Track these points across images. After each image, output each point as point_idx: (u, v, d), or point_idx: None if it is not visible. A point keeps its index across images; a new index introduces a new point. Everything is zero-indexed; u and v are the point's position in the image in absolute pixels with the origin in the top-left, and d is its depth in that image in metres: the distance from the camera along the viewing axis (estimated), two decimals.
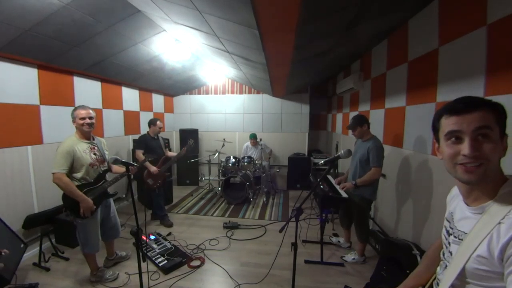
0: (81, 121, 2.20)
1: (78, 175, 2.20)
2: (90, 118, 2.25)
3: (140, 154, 3.52)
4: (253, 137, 5.38)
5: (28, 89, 2.85)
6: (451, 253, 0.79)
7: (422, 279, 0.98)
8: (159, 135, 3.84)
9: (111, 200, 2.54)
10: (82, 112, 2.21)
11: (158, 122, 3.74)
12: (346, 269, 2.68)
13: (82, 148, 2.22)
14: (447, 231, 0.83)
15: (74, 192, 2.13)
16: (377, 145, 2.58)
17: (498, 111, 0.68)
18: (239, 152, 6.06)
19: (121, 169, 2.54)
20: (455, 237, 0.78)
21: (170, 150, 4.59)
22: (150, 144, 3.64)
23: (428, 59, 2.19)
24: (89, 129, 2.25)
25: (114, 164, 2.47)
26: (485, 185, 0.70)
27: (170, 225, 3.69)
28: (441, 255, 0.86)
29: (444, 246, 0.85)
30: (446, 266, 0.81)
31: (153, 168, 3.48)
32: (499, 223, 0.63)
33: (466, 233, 0.73)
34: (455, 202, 0.84)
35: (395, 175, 2.84)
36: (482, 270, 0.65)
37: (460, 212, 0.79)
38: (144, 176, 3.55)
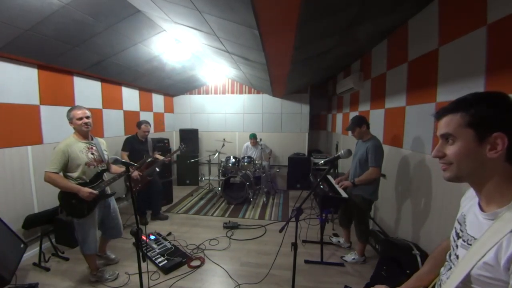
0: (80, 121, 2.21)
1: (74, 174, 2.20)
2: (87, 117, 2.26)
3: (125, 156, 3.47)
4: (253, 137, 5.38)
5: (28, 89, 2.85)
6: (457, 256, 0.78)
7: (425, 280, 0.97)
8: (148, 137, 3.77)
9: (112, 200, 2.52)
10: (78, 113, 2.22)
11: (142, 126, 3.64)
12: (346, 269, 2.68)
13: (79, 148, 2.22)
14: (457, 234, 0.81)
15: (66, 185, 2.13)
16: (375, 145, 2.58)
17: (471, 114, 0.68)
18: (239, 152, 6.06)
19: (119, 169, 2.53)
20: (464, 241, 0.76)
21: (170, 151, 4.55)
22: (135, 147, 3.57)
23: (428, 59, 2.19)
24: (87, 129, 2.27)
25: (114, 164, 2.47)
26: (478, 185, 0.72)
27: (144, 223, 3.70)
28: (447, 256, 0.85)
29: (451, 248, 0.83)
30: (451, 267, 0.80)
31: (135, 173, 3.36)
32: (511, 231, 0.61)
33: (475, 239, 0.71)
34: (469, 205, 0.82)
35: (394, 175, 2.84)
36: (487, 276, 0.65)
37: (473, 216, 0.77)
38: (124, 178, 3.47)
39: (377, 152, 2.55)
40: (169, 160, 3.85)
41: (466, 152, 0.69)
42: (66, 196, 2.18)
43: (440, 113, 0.76)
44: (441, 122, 0.75)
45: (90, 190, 2.18)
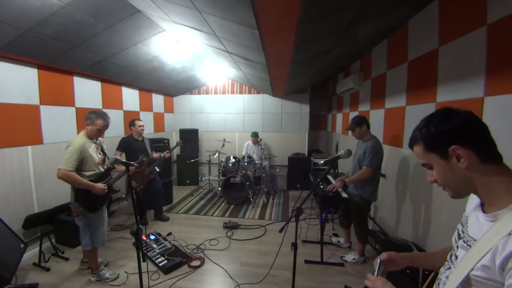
0: (103, 129, 2.40)
1: (88, 173, 2.32)
2: None
3: (118, 155, 3.45)
4: (254, 135, 5.37)
5: (28, 89, 2.85)
6: (457, 257, 0.78)
7: (420, 260, 1.06)
8: (144, 136, 3.72)
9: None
10: (104, 123, 2.39)
11: (137, 122, 3.60)
12: (346, 269, 2.68)
13: (91, 148, 2.35)
14: (458, 234, 0.82)
15: (82, 182, 2.22)
16: (374, 145, 2.58)
17: (423, 139, 0.75)
18: (239, 152, 6.06)
19: (122, 168, 2.60)
20: (464, 242, 0.77)
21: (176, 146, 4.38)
22: (132, 146, 3.53)
23: (428, 59, 2.19)
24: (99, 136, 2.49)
25: (113, 164, 2.50)
26: (475, 192, 0.73)
27: (144, 223, 3.69)
28: (448, 256, 0.85)
29: (452, 248, 0.84)
30: (450, 267, 0.80)
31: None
32: (510, 234, 0.61)
33: (475, 240, 0.72)
34: (473, 206, 0.82)
35: (395, 175, 2.84)
36: (484, 278, 0.65)
37: (474, 217, 0.78)
38: (126, 178, 3.41)
39: (374, 153, 2.55)
40: (169, 155, 3.79)
41: (444, 172, 0.73)
42: (81, 192, 2.27)
43: (409, 146, 0.82)
44: (414, 153, 0.81)
45: (103, 186, 2.33)
